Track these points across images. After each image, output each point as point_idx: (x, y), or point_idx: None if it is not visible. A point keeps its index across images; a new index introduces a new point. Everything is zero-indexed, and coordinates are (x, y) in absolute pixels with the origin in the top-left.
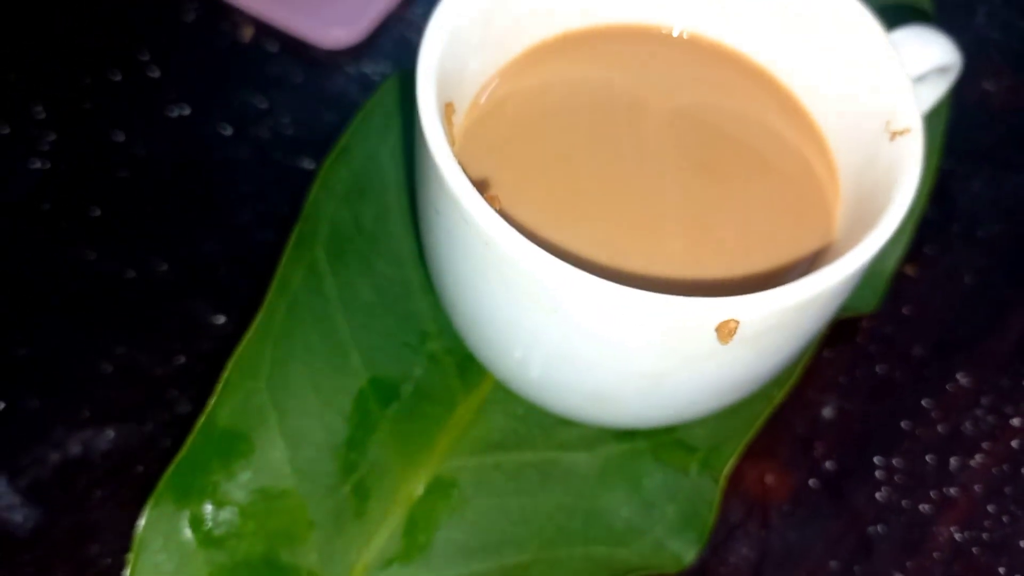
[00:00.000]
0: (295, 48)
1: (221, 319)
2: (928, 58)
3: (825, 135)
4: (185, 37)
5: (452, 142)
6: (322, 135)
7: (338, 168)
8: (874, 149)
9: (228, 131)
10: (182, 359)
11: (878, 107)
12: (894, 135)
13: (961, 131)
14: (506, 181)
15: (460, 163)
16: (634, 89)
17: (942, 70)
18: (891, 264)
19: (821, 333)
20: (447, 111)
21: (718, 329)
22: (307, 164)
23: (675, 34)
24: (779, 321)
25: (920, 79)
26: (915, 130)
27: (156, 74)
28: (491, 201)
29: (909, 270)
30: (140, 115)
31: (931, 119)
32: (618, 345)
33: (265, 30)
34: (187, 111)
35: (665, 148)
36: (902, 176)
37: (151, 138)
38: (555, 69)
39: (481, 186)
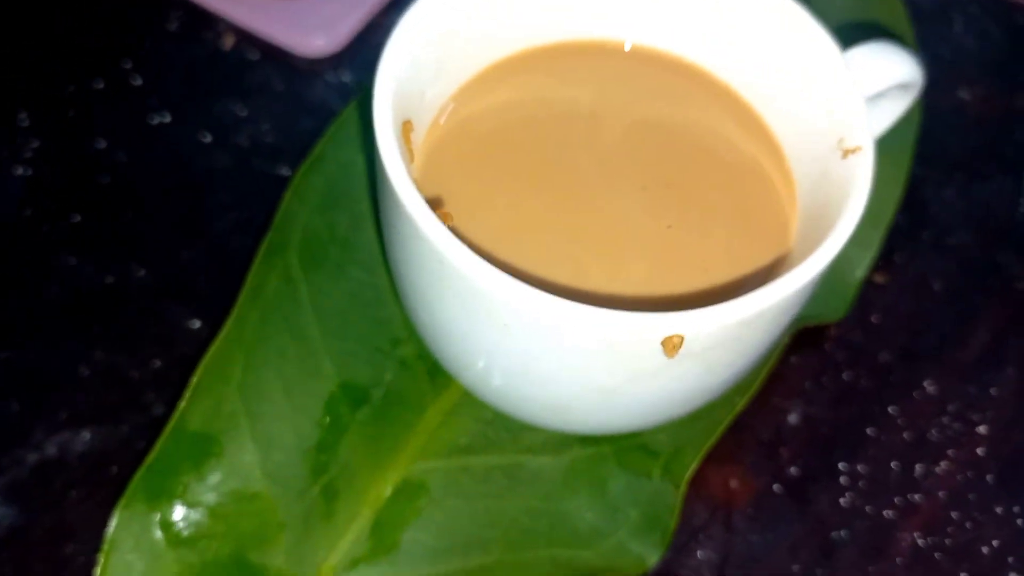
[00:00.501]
0: (276, 56)
1: (197, 324)
2: (889, 75)
3: (782, 147)
4: (168, 45)
5: (411, 159)
6: (300, 143)
7: (312, 177)
8: (827, 164)
9: (208, 138)
10: (158, 363)
11: (831, 124)
12: (846, 153)
13: (935, 139)
14: (464, 199)
15: (418, 181)
16: (590, 105)
17: (904, 86)
18: (860, 272)
19: (783, 341)
20: (405, 129)
21: (664, 344)
22: (285, 171)
23: (628, 48)
24: (726, 336)
25: (881, 95)
26: (866, 149)
27: (138, 82)
28: (444, 218)
29: (878, 277)
30: (122, 122)
31: (902, 128)
32: (569, 360)
33: (246, 38)
34: (168, 118)
35: (622, 164)
36: (851, 195)
37: (133, 145)
38: (512, 88)
39: (435, 203)
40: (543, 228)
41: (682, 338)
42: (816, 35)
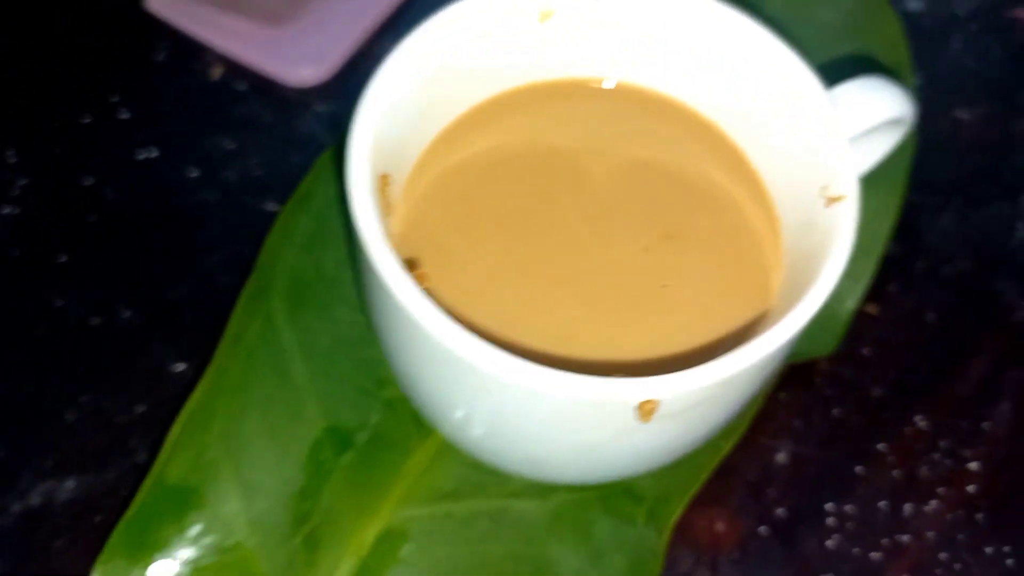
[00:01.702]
0: (264, 87)
1: (182, 367)
2: (878, 112)
3: (769, 191)
4: (156, 77)
5: (388, 214)
6: (289, 176)
7: (298, 215)
8: (812, 212)
9: (195, 173)
10: (143, 407)
11: (816, 169)
12: (830, 201)
13: (932, 163)
14: (444, 255)
15: (396, 236)
16: (574, 150)
17: (894, 122)
18: (851, 304)
19: (770, 383)
20: (382, 183)
21: (638, 408)
22: (273, 206)
23: (611, 86)
24: (703, 397)
25: (872, 129)
26: (851, 198)
27: (126, 116)
28: (420, 279)
29: (871, 308)
30: (109, 158)
31: (897, 155)
32: (544, 421)
33: (234, 69)
34: (155, 153)
35: (607, 215)
36: (833, 248)
37: (120, 182)
38: (493, 133)
39: (412, 263)
40: (524, 287)
41: (657, 403)
42: (800, 75)
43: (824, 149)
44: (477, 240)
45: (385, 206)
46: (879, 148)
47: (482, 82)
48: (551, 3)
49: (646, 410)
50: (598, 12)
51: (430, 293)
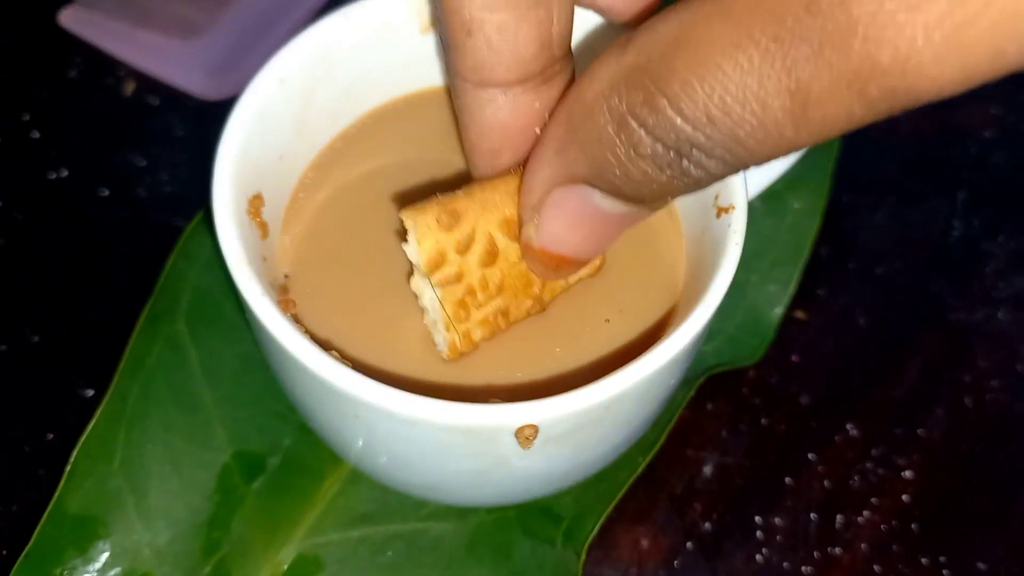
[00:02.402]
0: (177, 101)
1: (90, 392)
2: None
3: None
4: (67, 94)
5: (263, 235)
6: (200, 191)
7: (203, 233)
8: (705, 221)
9: (106, 192)
10: (51, 435)
11: None
12: (720, 211)
13: (865, 159)
14: (319, 278)
15: (274, 257)
16: (454, 163)
17: None
18: (778, 310)
19: (687, 394)
20: (254, 204)
21: (517, 435)
22: (183, 223)
23: None
24: (588, 419)
25: None
26: (739, 209)
27: (36, 135)
28: (286, 305)
29: (799, 314)
30: (19, 179)
31: (821, 155)
32: (427, 449)
33: (147, 83)
34: (65, 173)
35: None
36: (721, 260)
37: (30, 203)
38: (377, 147)
39: (284, 288)
40: (402, 311)
41: (535, 428)
42: None
43: None
44: (357, 263)
45: (260, 227)
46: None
47: (365, 95)
48: (432, 11)
49: (525, 436)
50: None
51: (300, 319)
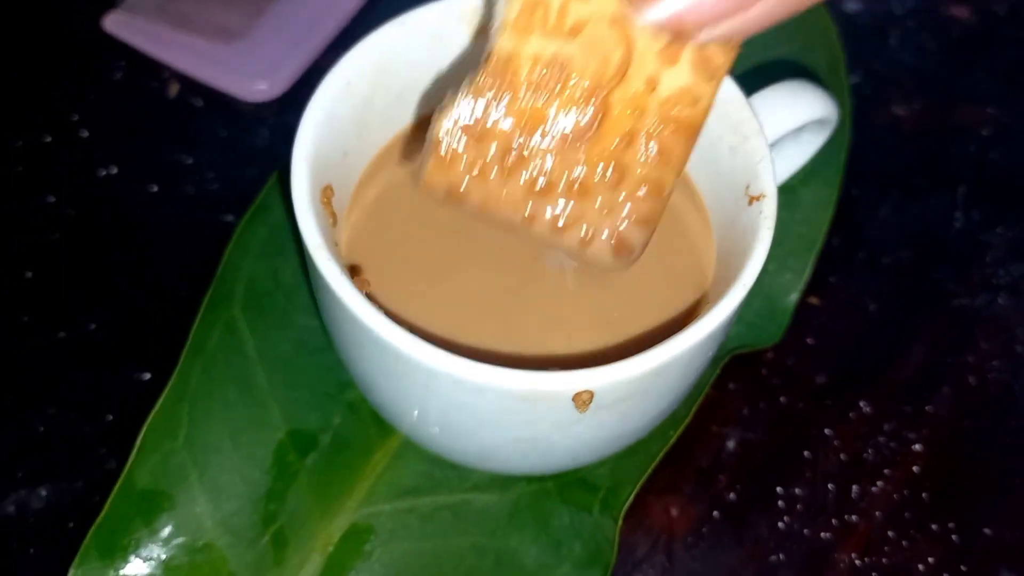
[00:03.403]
0: (220, 102)
1: (147, 376)
2: (800, 114)
3: (700, 193)
4: (113, 96)
5: (334, 222)
6: (245, 189)
7: (255, 226)
8: (737, 211)
9: (154, 189)
10: (110, 417)
11: (738, 170)
12: (752, 200)
13: (870, 156)
14: (389, 262)
15: (342, 244)
16: None
17: (819, 122)
18: (794, 296)
19: (712, 373)
20: (326, 194)
21: (575, 399)
22: (231, 219)
23: None
24: (636, 388)
25: (800, 129)
26: (770, 197)
27: (85, 134)
28: (361, 285)
29: (813, 299)
30: (70, 176)
31: (833, 149)
32: (488, 415)
33: (191, 86)
34: (114, 170)
35: None
36: (754, 244)
37: (81, 199)
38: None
39: (355, 269)
40: (465, 290)
41: (592, 393)
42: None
43: (745, 150)
44: (419, 248)
45: (331, 215)
46: (809, 146)
47: (418, 100)
48: (484, 19)
49: (582, 400)
50: None
51: (373, 297)
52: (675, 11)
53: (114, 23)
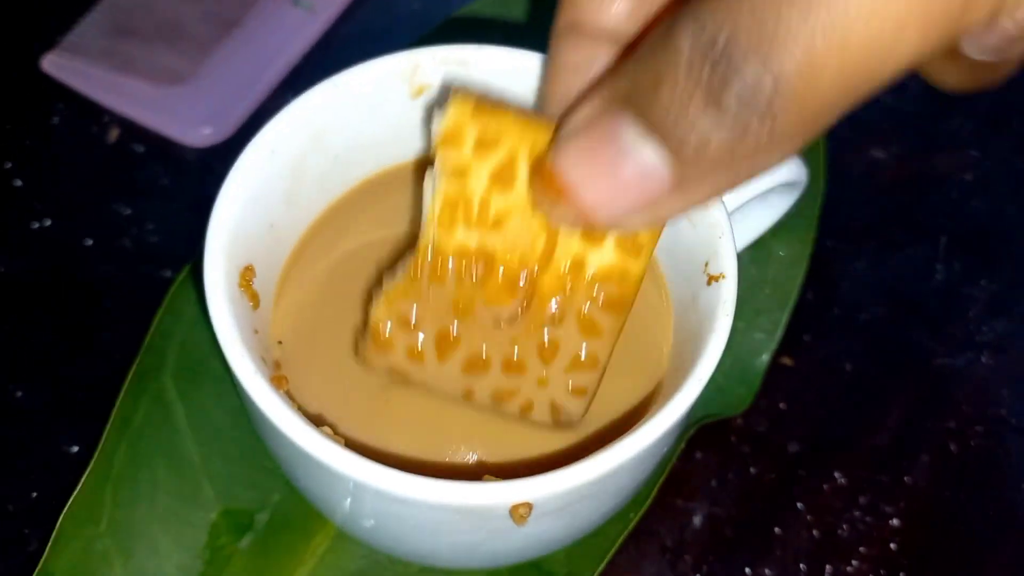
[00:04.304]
0: (162, 148)
1: (75, 448)
2: (768, 178)
3: (660, 264)
4: (50, 141)
5: (255, 305)
6: (187, 241)
7: (189, 288)
8: (696, 288)
9: (90, 243)
10: (34, 494)
11: (698, 245)
12: (711, 279)
13: (846, 205)
14: (312, 353)
15: (265, 329)
16: None
17: (787, 185)
18: (765, 357)
19: (677, 447)
20: (245, 276)
21: (511, 512)
22: (170, 274)
23: None
24: (581, 494)
25: (766, 192)
26: (729, 278)
27: (18, 183)
28: (278, 382)
29: (786, 360)
30: (1, 229)
31: (807, 203)
32: (421, 524)
33: (132, 131)
34: (48, 223)
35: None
36: (711, 334)
37: (12, 253)
38: (371, 217)
39: (273, 364)
40: (397, 388)
41: (530, 506)
42: None
43: (705, 225)
44: (348, 335)
45: (251, 299)
46: (777, 208)
47: (355, 165)
48: (425, 78)
49: (519, 514)
50: (473, 85)
51: (292, 395)
52: (580, 216)
53: (53, 64)
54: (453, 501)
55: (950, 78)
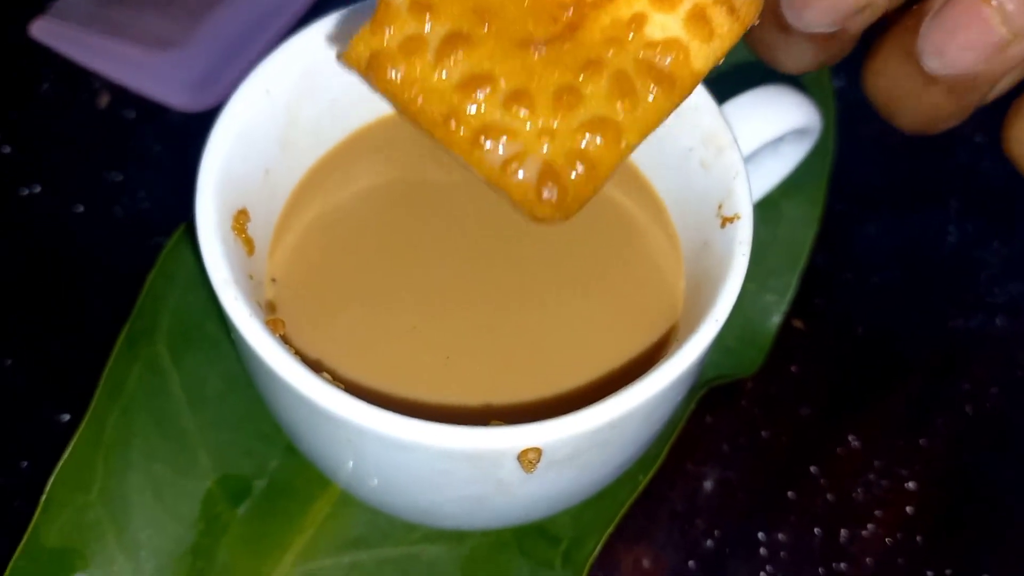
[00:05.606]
0: (154, 114)
1: (66, 417)
2: (777, 124)
3: (668, 210)
4: (39, 108)
5: (250, 251)
6: (179, 208)
7: (182, 251)
8: (709, 232)
9: (81, 209)
10: (24, 463)
11: (710, 187)
12: (725, 221)
13: (858, 168)
14: (310, 299)
15: (257, 276)
16: (455, 179)
17: (801, 132)
18: (776, 319)
19: (687, 408)
20: (239, 220)
21: (520, 458)
22: (162, 241)
23: None
24: (592, 442)
25: (777, 141)
26: (745, 218)
27: (7, 150)
28: (274, 326)
29: (797, 323)
30: None
31: (816, 163)
32: (425, 474)
33: (122, 96)
34: (38, 189)
35: (491, 249)
36: (727, 273)
37: (2, 220)
38: (368, 165)
39: (268, 308)
40: (403, 330)
41: (539, 451)
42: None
43: (718, 167)
44: (352, 282)
45: (245, 244)
46: (789, 158)
47: (351, 112)
48: None
49: (528, 460)
50: None
51: (289, 339)
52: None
53: (41, 30)
54: (460, 446)
55: (784, 57)
